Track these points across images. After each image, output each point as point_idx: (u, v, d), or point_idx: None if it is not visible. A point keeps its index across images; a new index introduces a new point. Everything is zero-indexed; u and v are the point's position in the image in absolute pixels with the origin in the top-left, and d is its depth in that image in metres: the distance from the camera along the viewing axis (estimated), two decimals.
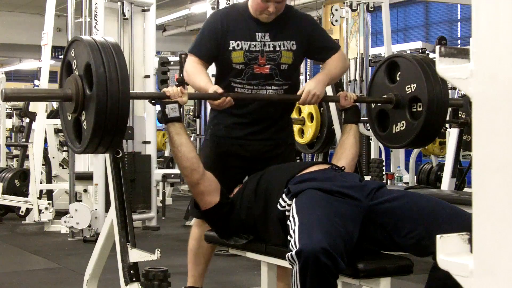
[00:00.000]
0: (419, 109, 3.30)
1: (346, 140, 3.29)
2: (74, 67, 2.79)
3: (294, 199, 2.62)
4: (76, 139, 2.82)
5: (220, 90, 3.07)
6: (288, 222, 2.52)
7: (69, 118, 2.85)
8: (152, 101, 3.09)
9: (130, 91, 2.76)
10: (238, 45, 3.25)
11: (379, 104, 3.53)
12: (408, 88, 3.31)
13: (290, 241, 2.41)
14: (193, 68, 3.28)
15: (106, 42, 2.72)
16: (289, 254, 2.35)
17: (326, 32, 3.55)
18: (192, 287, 3.51)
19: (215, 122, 3.40)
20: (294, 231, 2.42)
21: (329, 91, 5.34)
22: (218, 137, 3.38)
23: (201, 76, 3.23)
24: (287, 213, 2.65)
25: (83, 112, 2.72)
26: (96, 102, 2.60)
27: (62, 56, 3.04)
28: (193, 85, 3.31)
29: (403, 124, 3.36)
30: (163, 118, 2.93)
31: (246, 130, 3.33)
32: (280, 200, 2.71)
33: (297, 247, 2.33)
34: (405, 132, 3.37)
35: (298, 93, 3.31)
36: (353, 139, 3.28)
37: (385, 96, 3.43)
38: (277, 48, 3.28)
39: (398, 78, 3.40)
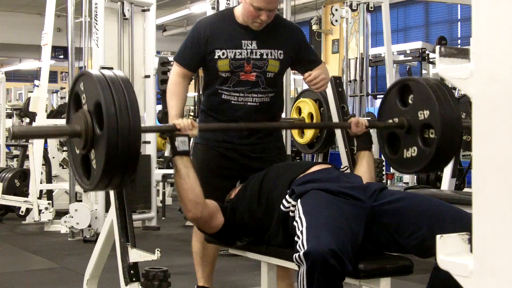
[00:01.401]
0: (431, 136, 3.19)
1: (359, 168, 3.18)
2: (83, 102, 2.69)
3: (299, 200, 2.62)
4: (85, 174, 2.73)
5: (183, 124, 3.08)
6: (294, 223, 2.51)
7: (77, 152, 2.75)
8: (163, 135, 3.02)
9: (141, 125, 2.67)
10: (223, 53, 3.25)
11: None
12: (420, 113, 3.21)
13: (297, 242, 2.41)
14: (173, 85, 3.34)
15: (115, 77, 2.63)
16: (296, 255, 2.35)
17: (309, 44, 3.59)
18: (203, 287, 3.53)
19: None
20: (301, 232, 2.41)
21: (329, 93, 5.34)
22: (207, 140, 3.39)
23: (176, 100, 3.30)
24: (291, 213, 2.65)
25: (93, 150, 2.63)
26: (106, 143, 2.50)
27: (68, 88, 2.98)
28: (168, 104, 3.36)
29: (414, 150, 3.26)
30: (172, 151, 2.87)
31: (233, 134, 3.34)
32: (284, 201, 2.71)
33: (305, 248, 2.33)
34: (416, 158, 3.25)
35: (306, 75, 3.32)
36: (366, 167, 3.18)
37: (397, 120, 3.33)
38: (264, 56, 3.28)
39: (410, 102, 3.31)
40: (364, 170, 3.16)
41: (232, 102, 3.30)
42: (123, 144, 2.51)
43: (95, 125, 2.59)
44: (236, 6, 3.38)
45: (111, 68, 3.04)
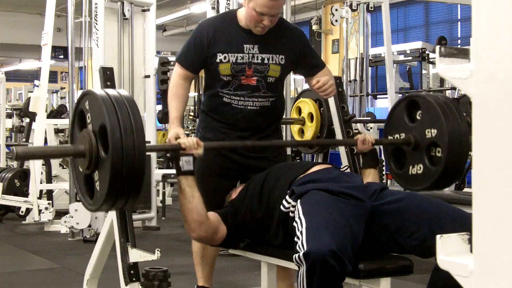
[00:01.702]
0: (438, 154, 3.16)
1: None
2: (88, 121, 2.65)
3: (298, 200, 2.62)
4: (88, 193, 2.71)
5: (180, 135, 3.05)
6: (294, 224, 2.51)
7: (81, 170, 2.72)
8: (167, 154, 2.96)
9: (146, 145, 2.62)
10: (225, 57, 3.24)
11: None
12: (428, 132, 3.18)
13: (297, 242, 2.41)
14: (174, 87, 3.31)
15: (121, 98, 2.59)
16: (296, 255, 2.35)
17: (313, 48, 3.56)
18: (203, 287, 3.53)
19: (203, 125, 3.43)
20: (301, 233, 2.41)
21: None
22: (207, 140, 3.38)
23: (176, 102, 3.28)
24: (291, 214, 2.65)
25: (96, 172, 2.60)
26: (111, 168, 2.47)
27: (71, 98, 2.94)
28: (168, 106, 3.34)
29: (420, 167, 3.22)
30: (176, 170, 2.83)
31: (233, 135, 3.33)
32: (284, 202, 2.71)
33: (305, 249, 2.33)
34: (422, 176, 3.22)
35: (313, 82, 3.31)
36: None
37: (403, 135, 3.30)
38: (265, 61, 3.26)
39: (418, 118, 3.27)
40: None
41: (233, 105, 3.29)
42: (128, 169, 2.48)
43: (100, 147, 2.56)
44: (239, 8, 3.36)
45: (113, 86, 3.02)
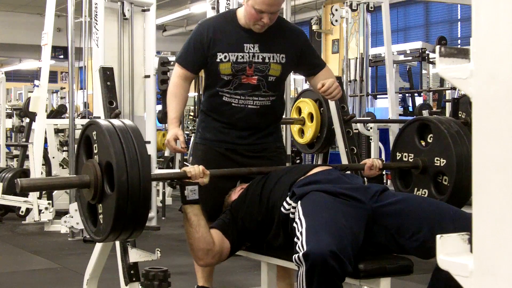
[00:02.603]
0: (444, 183, 3.17)
1: None
2: (95, 151, 2.61)
3: (299, 202, 2.62)
4: (91, 220, 2.69)
5: (179, 136, 3.08)
6: (294, 225, 2.51)
7: (86, 198, 2.70)
8: (173, 183, 2.89)
9: (151, 175, 2.59)
10: (225, 57, 3.23)
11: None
12: (437, 160, 3.18)
13: (296, 243, 2.41)
14: (174, 87, 3.31)
15: (126, 129, 2.55)
16: (296, 256, 2.35)
17: (313, 48, 3.54)
18: (203, 287, 3.53)
19: (203, 125, 3.42)
20: (301, 233, 2.41)
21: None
22: (207, 140, 3.38)
23: (175, 103, 3.29)
24: (291, 215, 2.65)
25: (100, 205, 2.58)
26: (115, 206, 2.45)
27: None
28: (168, 106, 3.35)
29: (425, 192, 3.24)
30: (181, 199, 2.79)
31: (233, 135, 3.33)
32: (284, 203, 2.70)
33: (305, 249, 2.33)
34: None
35: (319, 86, 3.30)
36: None
37: (412, 156, 3.31)
38: (266, 60, 3.25)
39: (429, 141, 3.27)
40: None
41: (233, 104, 3.29)
42: (133, 205, 2.46)
43: (105, 182, 2.54)
44: (238, 8, 3.36)
45: (118, 115, 2.98)
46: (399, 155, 3.42)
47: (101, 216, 2.58)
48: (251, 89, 3.27)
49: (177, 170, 2.89)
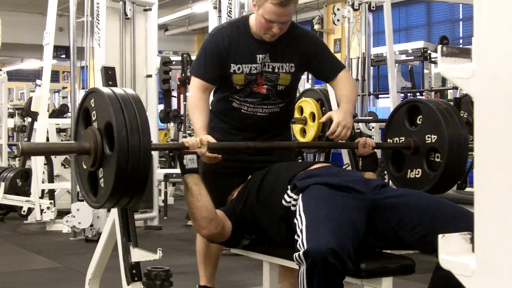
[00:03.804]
0: (437, 160, 3.19)
1: None
2: (93, 118, 2.65)
3: (300, 195, 2.62)
4: (91, 190, 2.71)
5: (209, 140, 2.99)
6: (295, 221, 2.51)
7: (84, 167, 2.72)
8: (171, 153, 2.96)
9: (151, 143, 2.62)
10: (239, 68, 3.19)
11: None
12: (428, 138, 3.21)
13: (297, 240, 2.41)
14: (194, 99, 3.22)
15: (127, 97, 2.59)
16: (297, 254, 2.35)
17: (330, 52, 3.43)
18: (205, 286, 3.53)
19: (211, 125, 3.41)
20: (301, 231, 2.42)
21: (331, 92, 5.34)
22: (216, 140, 3.38)
23: (198, 114, 3.19)
24: (292, 208, 2.65)
25: (101, 169, 2.60)
26: (116, 165, 2.48)
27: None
28: (191, 119, 3.29)
29: (418, 172, 3.26)
30: (180, 169, 2.84)
31: (241, 136, 3.32)
32: (285, 196, 2.71)
33: (305, 247, 2.33)
34: (420, 180, 3.26)
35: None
36: None
37: (403, 140, 3.32)
38: (276, 70, 3.22)
39: (418, 122, 3.29)
40: None
41: (242, 110, 3.27)
42: (133, 167, 2.49)
43: (105, 144, 2.57)
44: (250, 15, 3.27)
45: (115, 85, 3.02)
46: (390, 141, 3.44)
47: (101, 180, 2.61)
48: (261, 98, 3.25)
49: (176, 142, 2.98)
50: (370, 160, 3.26)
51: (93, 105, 2.66)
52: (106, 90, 2.64)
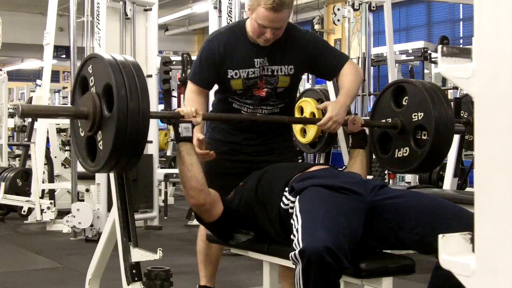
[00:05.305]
0: (423, 137, 3.24)
1: (352, 166, 3.22)
2: (91, 84, 2.67)
3: (297, 197, 2.62)
4: (89, 156, 2.73)
5: (200, 137, 3.04)
6: (292, 221, 2.52)
7: (82, 134, 2.74)
8: (167, 121, 3.03)
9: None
10: (236, 74, 3.20)
11: None
12: (414, 116, 3.25)
13: (293, 240, 2.41)
14: (189, 102, 3.26)
15: (126, 62, 2.63)
16: (292, 253, 2.35)
17: (330, 47, 3.39)
18: (205, 286, 3.53)
19: (212, 126, 3.44)
20: (297, 230, 2.42)
21: (331, 92, 5.34)
22: (216, 140, 3.39)
23: (192, 102, 3.23)
24: (290, 210, 2.65)
25: (100, 132, 2.62)
26: (115, 124, 2.50)
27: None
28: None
29: (406, 150, 3.31)
30: (175, 137, 2.90)
31: (241, 136, 3.34)
32: (284, 198, 2.71)
33: (300, 246, 2.33)
34: (408, 158, 3.30)
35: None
36: (360, 165, 3.22)
37: (390, 120, 3.36)
38: (275, 73, 3.22)
39: (404, 103, 3.33)
40: (357, 168, 3.21)
41: (242, 112, 3.29)
42: (132, 127, 2.52)
43: (103, 106, 2.59)
44: (247, 19, 3.26)
45: None
46: None
47: (100, 143, 2.62)
48: (259, 100, 3.26)
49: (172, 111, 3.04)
50: (359, 137, 3.32)
51: (91, 71, 2.68)
52: (105, 55, 2.68)
